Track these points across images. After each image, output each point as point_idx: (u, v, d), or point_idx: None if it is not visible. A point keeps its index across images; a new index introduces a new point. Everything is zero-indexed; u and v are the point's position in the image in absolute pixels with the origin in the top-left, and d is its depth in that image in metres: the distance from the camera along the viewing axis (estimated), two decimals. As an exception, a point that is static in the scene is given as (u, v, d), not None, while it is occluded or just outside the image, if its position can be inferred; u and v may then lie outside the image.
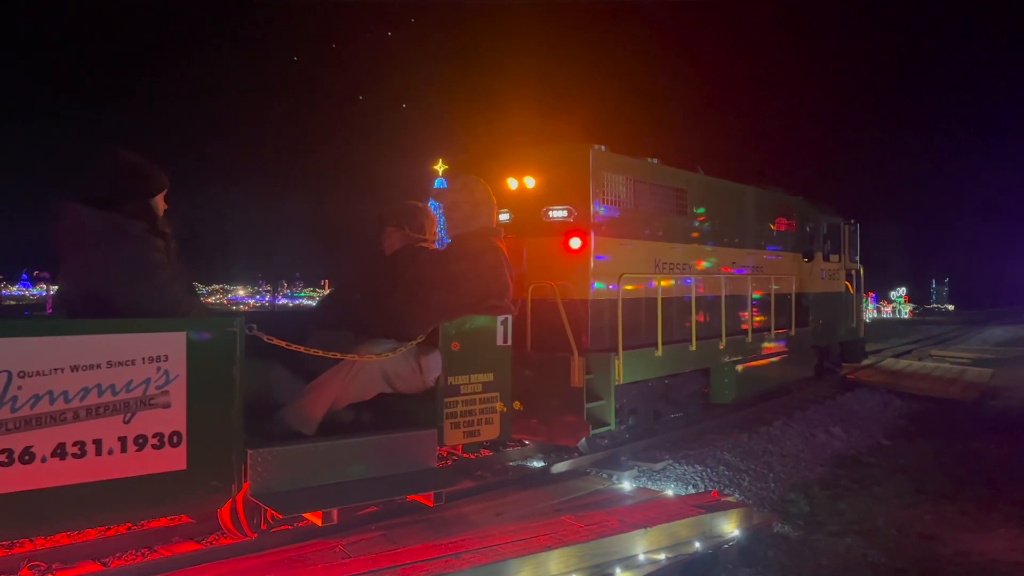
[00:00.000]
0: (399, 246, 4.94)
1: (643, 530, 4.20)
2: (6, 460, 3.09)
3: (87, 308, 3.53)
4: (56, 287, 3.96)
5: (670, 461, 6.72)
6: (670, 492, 5.37)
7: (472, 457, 6.60)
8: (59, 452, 3.19)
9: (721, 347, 8.08)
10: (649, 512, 4.54)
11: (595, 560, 3.96)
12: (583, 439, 6.29)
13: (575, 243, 6.49)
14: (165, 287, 3.66)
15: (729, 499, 5.06)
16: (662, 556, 4.17)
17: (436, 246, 5.25)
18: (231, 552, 3.97)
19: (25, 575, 3.92)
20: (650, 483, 6.11)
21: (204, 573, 3.62)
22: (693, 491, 5.88)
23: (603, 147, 6.74)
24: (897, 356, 18.18)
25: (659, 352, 7.03)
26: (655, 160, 7.50)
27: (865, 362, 14.38)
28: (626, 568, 4.01)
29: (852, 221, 12.23)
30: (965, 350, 21.76)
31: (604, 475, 6.07)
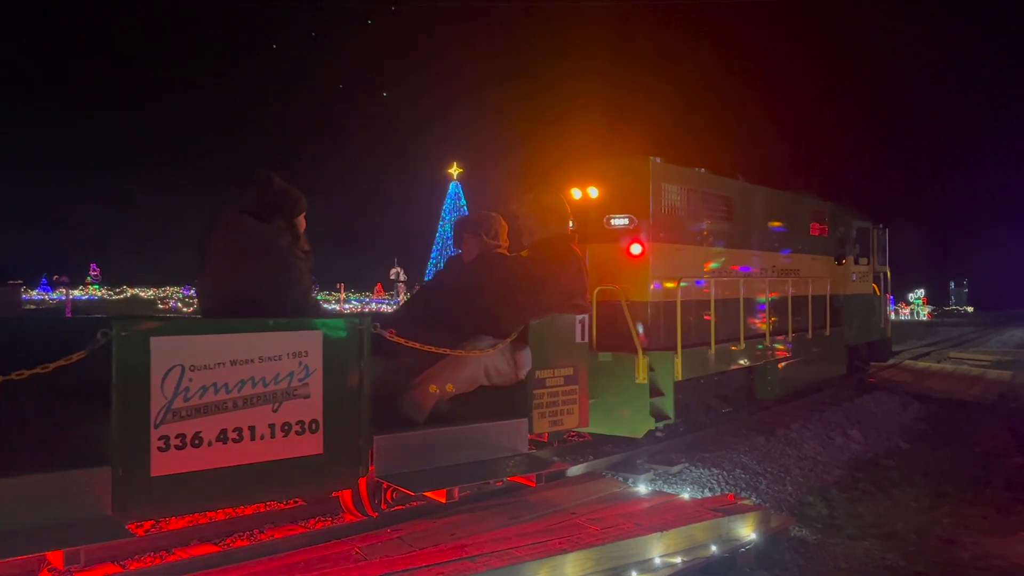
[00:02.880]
0: (477, 252, 5.35)
1: (659, 533, 4.19)
2: (180, 444, 3.48)
3: (236, 308, 3.93)
4: (197, 286, 4.44)
5: (686, 464, 6.69)
6: (686, 495, 5.35)
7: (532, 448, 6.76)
8: (222, 437, 3.60)
9: (766, 346, 8.55)
10: (665, 515, 4.53)
11: (611, 563, 3.95)
12: (646, 431, 6.75)
13: (636, 249, 7.03)
14: (306, 293, 4.23)
15: (746, 502, 5.04)
16: (678, 559, 4.15)
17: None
18: (248, 554, 4.00)
19: (45, 577, 3.95)
20: (666, 486, 6.09)
21: (221, 575, 3.65)
22: (709, 494, 5.86)
23: (659, 158, 7.24)
24: (915, 358, 18.03)
25: (712, 351, 7.48)
26: (703, 170, 7.94)
27: (891, 361, 14.69)
28: (642, 571, 3.99)
29: (881, 226, 12.60)
30: (984, 352, 21.54)
31: (620, 478, 6.05)
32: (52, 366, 3.26)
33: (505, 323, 4.85)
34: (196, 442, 3.52)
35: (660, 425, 6.87)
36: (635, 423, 6.69)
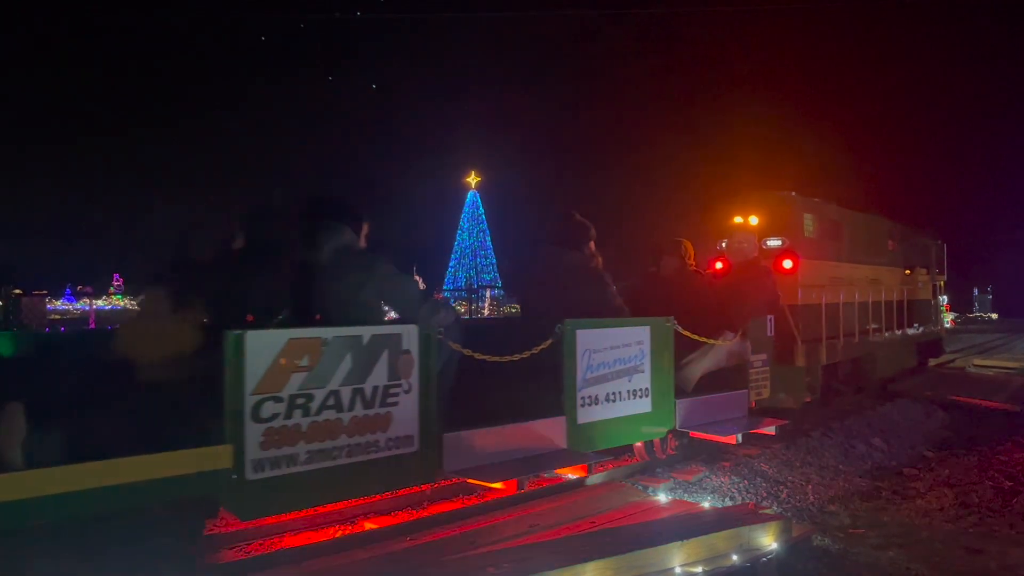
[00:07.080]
0: (675, 269, 6.65)
1: (679, 542, 4.15)
2: (589, 403, 5.06)
3: (563, 312, 4.95)
4: (520, 304, 6.13)
5: (706, 473, 6.64)
6: (706, 504, 5.32)
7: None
8: (605, 399, 5.17)
9: (869, 340, 10.82)
10: (685, 524, 4.50)
11: (631, 572, 3.93)
12: (802, 403, 8.67)
13: (787, 264, 9.14)
14: (615, 298, 5.56)
15: (767, 511, 4.99)
16: (699, 569, 4.12)
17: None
18: (259, 564, 4.02)
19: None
20: (686, 495, 6.04)
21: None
22: (730, 503, 5.81)
23: (794, 192, 9.58)
24: (940, 365, 17.81)
25: (841, 343, 9.75)
26: (818, 200, 10.13)
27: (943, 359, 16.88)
28: (662, 581, 3.96)
29: (939, 241, 15.18)
30: (1010, 359, 21.21)
31: (640, 487, 6.02)
32: (527, 353, 4.64)
33: (738, 319, 6.34)
34: (595, 402, 5.07)
35: (811, 398, 8.88)
36: (795, 396, 8.45)
